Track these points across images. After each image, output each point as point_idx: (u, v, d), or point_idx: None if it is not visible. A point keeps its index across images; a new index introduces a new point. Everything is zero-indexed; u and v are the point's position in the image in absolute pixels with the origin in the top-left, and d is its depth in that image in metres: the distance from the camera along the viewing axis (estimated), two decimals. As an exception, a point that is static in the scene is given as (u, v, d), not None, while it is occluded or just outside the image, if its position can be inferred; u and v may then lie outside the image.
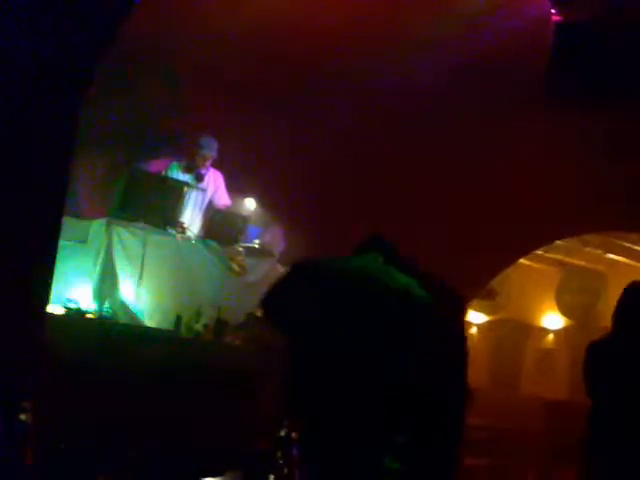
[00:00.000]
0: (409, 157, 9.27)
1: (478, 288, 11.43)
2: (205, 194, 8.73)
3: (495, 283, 11.90)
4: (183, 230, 8.23)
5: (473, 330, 15.81)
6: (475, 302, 12.74)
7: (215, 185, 8.80)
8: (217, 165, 8.79)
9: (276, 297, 4.61)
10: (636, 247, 14.44)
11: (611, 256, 15.19)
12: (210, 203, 8.78)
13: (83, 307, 7.19)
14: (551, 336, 16.73)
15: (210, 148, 8.58)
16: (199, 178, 8.63)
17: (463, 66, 8.23)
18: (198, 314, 7.71)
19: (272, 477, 5.18)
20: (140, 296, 7.58)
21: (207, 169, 8.68)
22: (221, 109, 8.70)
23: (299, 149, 9.07)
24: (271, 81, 8.63)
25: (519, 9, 8.22)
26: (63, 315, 6.98)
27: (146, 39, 7.63)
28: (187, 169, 8.61)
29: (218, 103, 8.70)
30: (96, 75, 5.43)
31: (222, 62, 8.42)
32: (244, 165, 8.99)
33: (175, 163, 8.64)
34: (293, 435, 4.68)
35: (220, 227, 8.54)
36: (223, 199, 8.85)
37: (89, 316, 7.18)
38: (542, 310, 16.79)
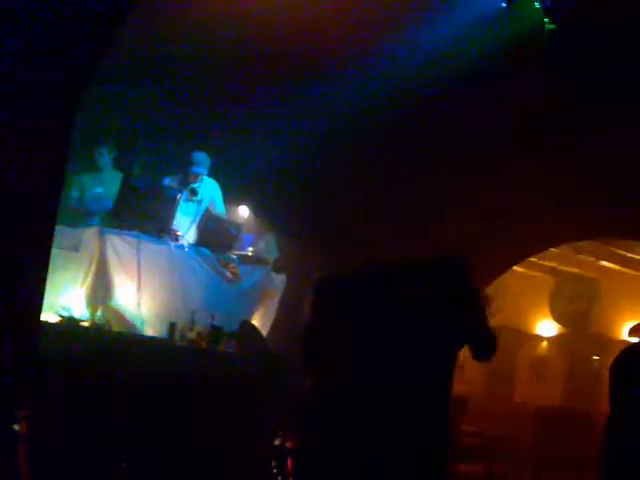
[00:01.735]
0: (405, 164, 9.27)
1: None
2: (200, 205, 8.73)
3: (489, 290, 11.89)
4: (176, 238, 8.22)
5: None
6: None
7: (211, 195, 8.80)
8: (211, 174, 8.79)
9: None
10: (629, 254, 14.46)
11: (604, 263, 15.21)
12: (206, 212, 8.77)
13: (76, 315, 7.17)
14: (545, 343, 16.74)
15: (201, 165, 8.58)
16: (193, 193, 8.63)
17: (460, 72, 8.25)
18: (192, 322, 7.70)
19: (266, 486, 5.17)
20: (137, 304, 7.57)
21: (200, 182, 8.67)
22: (215, 115, 8.71)
23: (294, 155, 9.07)
24: (264, 85, 8.63)
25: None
26: (56, 323, 6.96)
27: (137, 46, 7.64)
28: (181, 184, 8.60)
29: (211, 109, 8.70)
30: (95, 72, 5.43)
31: (213, 69, 8.42)
32: (238, 172, 8.98)
33: (168, 178, 8.64)
34: (288, 444, 4.67)
35: (214, 235, 8.54)
36: (219, 208, 8.84)
37: (82, 324, 7.16)
38: (536, 317, 16.80)
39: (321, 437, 4.21)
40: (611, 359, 5.19)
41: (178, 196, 8.31)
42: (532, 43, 8.07)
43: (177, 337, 7.59)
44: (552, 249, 13.09)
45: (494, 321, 4.66)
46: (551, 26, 8.02)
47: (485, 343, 4.44)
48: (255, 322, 8.55)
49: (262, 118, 8.75)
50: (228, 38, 7.79)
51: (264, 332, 8.50)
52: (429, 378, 4.26)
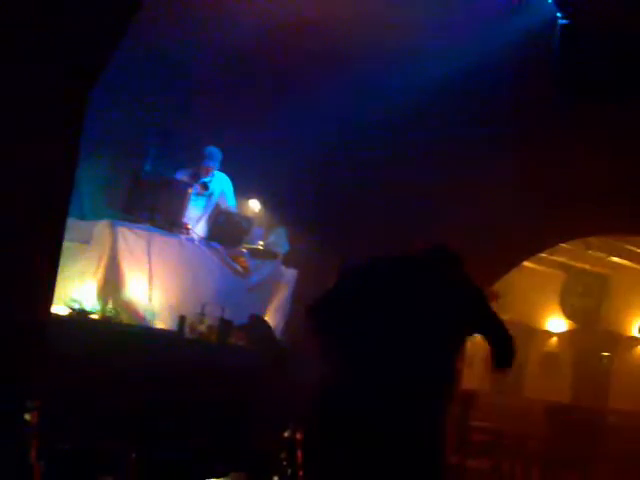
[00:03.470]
0: (411, 156, 9.27)
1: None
2: (211, 198, 8.76)
3: (499, 285, 11.89)
4: (187, 231, 8.24)
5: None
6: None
7: (222, 188, 8.82)
8: (223, 168, 8.81)
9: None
10: (639, 250, 14.43)
11: (614, 259, 15.18)
12: (217, 206, 8.79)
13: (87, 308, 7.19)
14: (555, 339, 16.73)
15: (213, 159, 8.61)
16: (204, 187, 8.66)
17: (470, 71, 8.25)
18: (202, 315, 7.72)
19: (276, 478, 5.18)
20: (148, 297, 7.59)
21: (212, 176, 8.70)
22: (224, 110, 8.72)
23: (304, 149, 9.08)
24: (277, 79, 8.64)
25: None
26: (67, 316, 6.98)
27: (150, 39, 7.65)
28: (192, 177, 8.63)
29: (222, 104, 8.71)
30: (106, 66, 5.42)
31: (226, 62, 8.43)
32: (249, 165, 8.99)
33: (180, 171, 8.67)
34: (297, 436, 4.67)
35: (224, 228, 8.56)
36: (230, 202, 8.86)
37: (93, 317, 7.18)
38: (546, 313, 16.78)
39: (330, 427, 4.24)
40: (621, 356, 5.18)
41: (189, 190, 8.34)
42: (543, 38, 8.06)
43: (187, 330, 7.61)
44: (562, 245, 13.06)
45: (504, 316, 4.68)
46: (563, 21, 8.01)
47: (501, 343, 4.45)
48: (265, 315, 8.57)
49: (273, 112, 8.76)
50: (243, 33, 7.80)
51: (274, 325, 8.52)
52: (433, 367, 4.29)
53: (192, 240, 8.21)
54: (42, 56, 5.14)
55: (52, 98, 5.30)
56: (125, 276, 7.51)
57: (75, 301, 7.14)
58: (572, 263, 15.91)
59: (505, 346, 4.49)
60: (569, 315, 16.59)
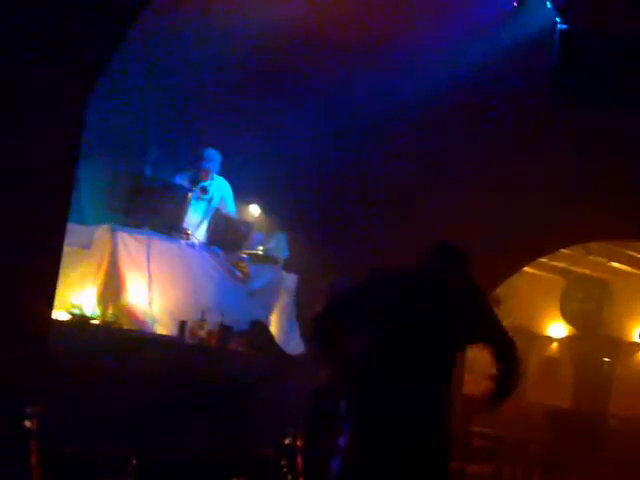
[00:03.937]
0: (412, 163, 9.26)
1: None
2: (211, 203, 8.73)
3: (500, 291, 11.88)
4: (187, 236, 8.22)
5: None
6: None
7: (221, 193, 8.80)
8: (222, 172, 8.79)
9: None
10: (639, 255, 14.42)
11: (614, 264, 15.17)
12: (216, 211, 8.77)
13: (87, 313, 7.17)
14: (555, 344, 16.71)
15: (212, 161, 8.59)
16: (203, 191, 8.64)
17: (470, 74, 8.26)
18: (202, 320, 7.70)
19: (276, 485, 5.16)
20: (148, 302, 7.57)
21: (211, 180, 8.69)
22: (224, 115, 8.71)
23: (302, 154, 9.08)
24: (275, 84, 8.64)
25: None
26: (67, 321, 6.96)
27: (150, 41, 7.65)
28: (191, 181, 8.61)
29: (221, 108, 8.71)
30: (106, 68, 5.42)
31: (226, 66, 8.43)
32: (249, 170, 8.98)
33: (179, 175, 8.65)
34: (298, 443, 4.66)
35: (224, 233, 8.54)
36: (230, 207, 8.84)
37: (93, 322, 7.16)
38: (546, 318, 16.76)
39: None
40: (622, 361, 5.17)
41: (189, 194, 8.33)
42: (543, 44, 8.07)
43: (187, 335, 7.60)
44: (563, 250, 13.06)
45: (505, 322, 4.69)
46: (563, 26, 8.02)
47: (498, 342, 4.46)
48: (268, 321, 8.54)
49: (274, 116, 8.75)
50: (244, 36, 7.81)
51: (276, 331, 8.50)
52: (433, 376, 4.31)
53: (192, 245, 8.19)
54: (42, 56, 5.13)
55: (52, 98, 5.29)
56: (125, 281, 7.48)
57: (75, 306, 7.12)
58: (572, 268, 15.89)
59: (509, 357, 4.50)
60: (569, 320, 16.57)
